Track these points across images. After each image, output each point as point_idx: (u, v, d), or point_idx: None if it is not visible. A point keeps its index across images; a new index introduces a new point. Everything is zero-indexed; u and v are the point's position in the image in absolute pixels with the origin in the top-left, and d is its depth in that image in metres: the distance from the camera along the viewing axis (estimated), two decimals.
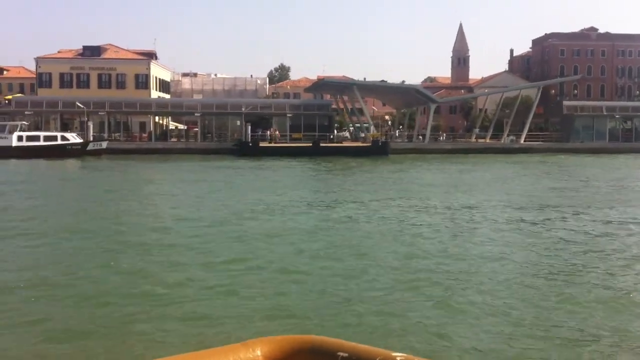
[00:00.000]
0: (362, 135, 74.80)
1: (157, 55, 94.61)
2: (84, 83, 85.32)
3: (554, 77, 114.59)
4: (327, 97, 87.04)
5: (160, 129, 77.37)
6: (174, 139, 74.42)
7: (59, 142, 58.76)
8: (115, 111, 71.10)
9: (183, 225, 19.88)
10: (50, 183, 37.21)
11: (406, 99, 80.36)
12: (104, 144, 61.32)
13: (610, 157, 66.11)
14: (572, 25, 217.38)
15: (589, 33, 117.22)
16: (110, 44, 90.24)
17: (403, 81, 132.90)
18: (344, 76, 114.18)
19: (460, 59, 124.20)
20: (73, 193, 31.27)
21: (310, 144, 65.64)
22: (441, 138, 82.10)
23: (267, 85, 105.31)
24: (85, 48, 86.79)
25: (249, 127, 66.96)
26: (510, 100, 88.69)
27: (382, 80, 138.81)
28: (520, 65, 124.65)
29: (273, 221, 20.88)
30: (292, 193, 29.61)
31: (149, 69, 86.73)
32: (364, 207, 24.60)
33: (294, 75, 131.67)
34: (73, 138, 59.83)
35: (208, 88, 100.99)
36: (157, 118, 79.25)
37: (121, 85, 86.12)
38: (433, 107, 75.40)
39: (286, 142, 68.54)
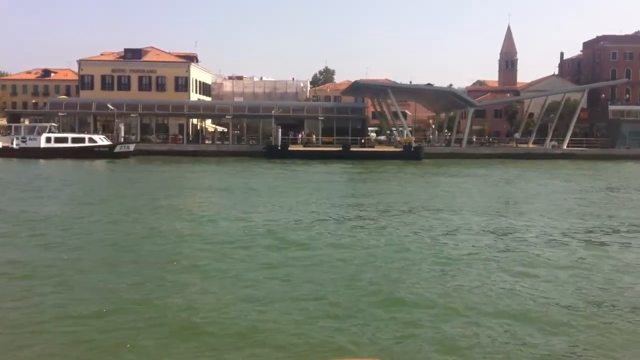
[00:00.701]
0: (398, 139, 72.15)
1: (198, 58, 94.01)
2: (124, 85, 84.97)
3: (605, 81, 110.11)
4: (369, 100, 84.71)
5: (197, 131, 75.99)
6: (208, 142, 73.10)
7: (87, 144, 58.08)
8: (148, 113, 70.07)
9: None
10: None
11: (444, 102, 77.25)
12: (132, 147, 60.33)
13: None
14: (627, 27, 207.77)
15: None
16: (152, 47, 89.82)
17: (450, 84, 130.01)
18: (386, 79, 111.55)
19: (508, 62, 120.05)
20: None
21: (340, 148, 63.32)
22: (480, 142, 78.72)
23: (308, 88, 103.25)
24: (126, 51, 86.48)
25: (280, 130, 65.13)
26: (556, 104, 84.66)
27: (428, 84, 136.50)
28: (570, 69, 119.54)
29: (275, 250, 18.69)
30: (304, 202, 27.34)
31: (188, 71, 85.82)
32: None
33: (338, 79, 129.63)
34: (101, 140, 59.09)
35: (249, 91, 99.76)
36: (195, 120, 78.37)
37: (161, 87, 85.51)
38: (471, 110, 72.18)
39: (318, 146, 66.35)
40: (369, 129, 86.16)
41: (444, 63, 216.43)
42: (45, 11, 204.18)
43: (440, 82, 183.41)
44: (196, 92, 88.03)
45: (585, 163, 61.94)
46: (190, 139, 72.13)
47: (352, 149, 63.42)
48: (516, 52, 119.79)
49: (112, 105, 66.43)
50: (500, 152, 71.00)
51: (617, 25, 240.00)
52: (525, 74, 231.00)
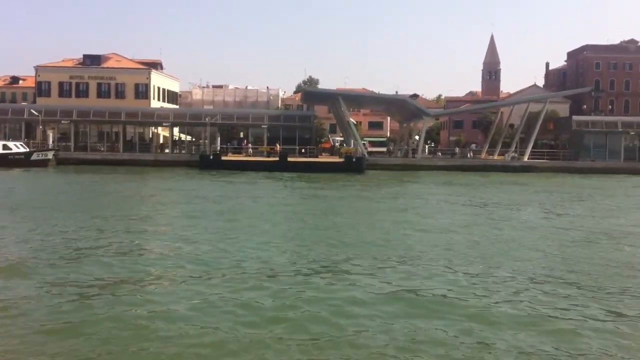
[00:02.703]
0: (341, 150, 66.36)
1: (163, 65, 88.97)
2: (82, 92, 79.95)
3: (589, 92, 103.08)
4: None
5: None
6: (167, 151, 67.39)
7: (1, 151, 52.90)
8: (83, 120, 64.81)
9: None
10: None
11: (404, 112, 71.13)
12: (50, 154, 55.07)
13: (619, 178, 55.25)
14: (613, 37, 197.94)
15: (628, 45, 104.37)
16: (114, 53, 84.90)
17: (439, 95, 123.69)
18: (363, 88, 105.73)
19: (492, 72, 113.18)
20: None
21: (277, 159, 57.55)
22: (438, 154, 72.59)
23: (280, 97, 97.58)
24: (85, 57, 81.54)
25: (218, 139, 59.63)
26: (534, 115, 78.31)
27: (414, 95, 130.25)
28: (555, 79, 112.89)
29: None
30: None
31: (149, 78, 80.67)
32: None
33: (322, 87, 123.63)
34: (16, 147, 53.85)
35: (219, 99, 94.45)
36: (155, 129, 73.04)
37: (120, 94, 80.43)
38: (427, 120, 66.21)
39: (251, 156, 60.68)
40: (337, 139, 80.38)
41: (434, 74, 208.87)
42: (31, 16, 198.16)
43: (430, 94, 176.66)
44: (159, 100, 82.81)
45: (535, 177, 55.49)
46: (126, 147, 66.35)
47: (289, 159, 57.54)
48: (499, 62, 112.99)
49: (35, 110, 61.21)
50: (455, 164, 64.79)
51: (605, 35, 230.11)
52: (511, 85, 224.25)
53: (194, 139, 75.50)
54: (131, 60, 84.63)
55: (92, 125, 68.64)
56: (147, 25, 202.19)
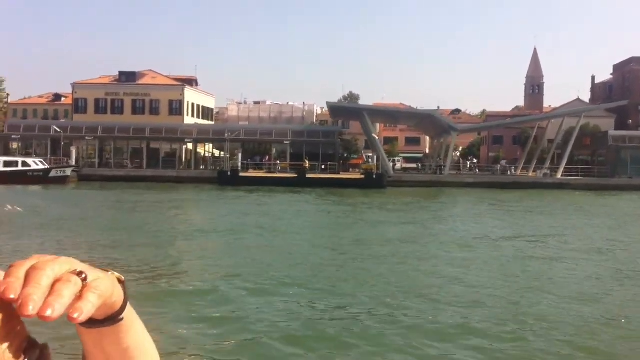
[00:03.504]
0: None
1: (198, 81, 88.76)
2: (118, 109, 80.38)
3: (635, 106, 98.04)
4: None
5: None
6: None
7: (20, 167, 52.79)
8: (108, 136, 64.59)
9: None
10: None
11: (433, 127, 68.50)
12: (68, 171, 54.68)
13: None
14: None
15: None
16: (150, 70, 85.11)
17: (484, 110, 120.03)
18: (401, 104, 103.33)
19: (534, 86, 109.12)
20: None
21: (296, 175, 55.88)
22: (476, 170, 69.73)
23: (315, 112, 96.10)
24: (121, 74, 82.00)
25: (240, 154, 58.42)
26: (585, 130, 74.53)
27: (456, 110, 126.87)
28: (602, 93, 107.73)
29: None
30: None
31: (182, 94, 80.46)
32: None
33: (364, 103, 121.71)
34: (35, 164, 53.62)
35: (254, 115, 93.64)
36: (190, 145, 72.43)
37: (155, 111, 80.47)
38: (454, 134, 63.32)
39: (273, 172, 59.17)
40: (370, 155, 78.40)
41: (478, 89, 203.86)
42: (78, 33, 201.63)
43: (474, 108, 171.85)
44: (193, 116, 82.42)
45: (565, 194, 52.03)
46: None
47: (308, 175, 55.77)
48: (542, 76, 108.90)
49: (60, 127, 61.27)
50: (483, 180, 61.69)
51: None
52: (557, 99, 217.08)
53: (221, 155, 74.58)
54: (167, 76, 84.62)
55: (123, 142, 68.36)
56: (186, 42, 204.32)
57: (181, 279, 15.05)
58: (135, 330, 0.92)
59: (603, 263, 18.31)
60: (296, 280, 14.76)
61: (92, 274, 0.78)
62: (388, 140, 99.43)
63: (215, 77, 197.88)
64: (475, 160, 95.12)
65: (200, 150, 75.01)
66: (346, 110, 64.87)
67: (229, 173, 55.95)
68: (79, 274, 0.76)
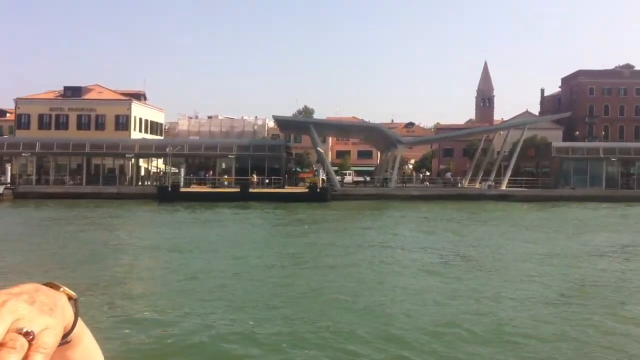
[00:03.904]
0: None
1: (146, 96, 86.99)
2: (62, 124, 78.12)
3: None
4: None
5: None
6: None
7: None
8: (47, 152, 62.38)
9: None
10: None
11: (382, 140, 67.95)
12: (1, 188, 52.44)
13: (596, 205, 51.23)
14: (608, 62, 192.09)
15: (622, 70, 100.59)
16: (97, 85, 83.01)
17: (437, 123, 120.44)
18: (354, 117, 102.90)
19: (485, 99, 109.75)
20: None
21: (238, 190, 54.57)
22: (426, 183, 69.39)
23: (267, 127, 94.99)
24: (66, 89, 79.71)
25: (182, 169, 56.89)
26: (524, 142, 74.72)
27: (410, 123, 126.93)
28: (551, 106, 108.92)
29: None
30: None
31: (129, 109, 78.57)
32: None
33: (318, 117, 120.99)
34: None
35: (205, 130, 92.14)
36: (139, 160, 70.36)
37: (101, 126, 78.43)
38: (401, 147, 62.79)
39: (216, 187, 57.71)
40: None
41: (432, 103, 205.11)
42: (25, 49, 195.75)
43: (428, 122, 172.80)
44: (140, 131, 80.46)
45: (507, 206, 51.78)
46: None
47: (251, 190, 54.50)
48: (493, 89, 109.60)
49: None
50: (429, 193, 61.22)
51: (601, 60, 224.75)
52: (508, 112, 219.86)
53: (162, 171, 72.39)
54: (114, 91, 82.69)
55: (65, 158, 66.05)
56: (135, 57, 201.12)
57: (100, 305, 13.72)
58: (83, 345, 0.86)
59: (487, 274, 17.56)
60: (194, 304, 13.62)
61: (39, 322, 0.73)
62: (340, 154, 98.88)
63: (168, 93, 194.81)
64: (427, 173, 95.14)
65: (147, 165, 73.07)
66: (293, 123, 63.89)
67: (169, 188, 54.27)
68: (26, 334, 0.69)
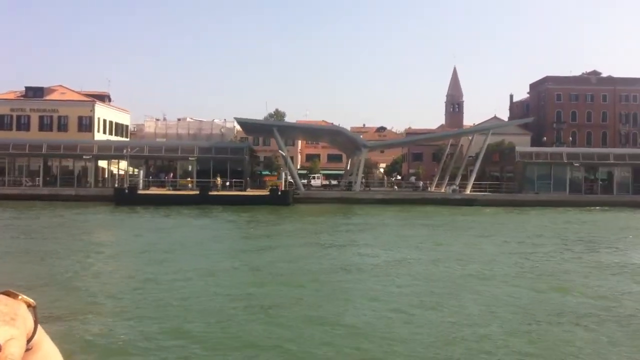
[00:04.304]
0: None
1: (111, 97, 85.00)
2: (24, 125, 75.86)
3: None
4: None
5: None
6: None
7: None
8: (3, 153, 60.34)
9: None
10: None
11: (347, 143, 66.87)
12: None
13: (558, 211, 50.69)
14: (576, 68, 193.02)
15: (589, 77, 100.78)
16: (60, 85, 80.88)
17: (409, 127, 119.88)
18: (323, 121, 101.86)
19: (455, 105, 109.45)
20: None
21: (197, 192, 53.09)
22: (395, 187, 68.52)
23: (236, 129, 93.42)
24: (27, 89, 77.48)
25: (141, 172, 55.25)
26: (494, 147, 74.26)
27: (381, 127, 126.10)
28: (519, 111, 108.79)
29: None
30: None
31: (93, 111, 76.58)
32: None
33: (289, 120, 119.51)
34: None
35: (172, 132, 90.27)
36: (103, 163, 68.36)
37: (63, 127, 76.30)
38: (365, 151, 61.74)
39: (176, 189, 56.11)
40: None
41: (405, 107, 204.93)
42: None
43: (400, 126, 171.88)
44: (105, 133, 78.49)
45: (470, 210, 51.01)
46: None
47: (211, 193, 53.03)
48: (462, 94, 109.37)
49: None
50: (392, 197, 60.27)
51: (569, 66, 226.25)
52: (478, 117, 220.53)
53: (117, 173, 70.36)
54: (77, 92, 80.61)
55: (23, 159, 64.05)
56: (102, 59, 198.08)
57: None
58: (43, 351, 0.85)
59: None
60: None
61: (3, 333, 0.72)
62: (310, 157, 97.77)
63: (138, 95, 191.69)
64: (399, 177, 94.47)
65: (113, 168, 71.23)
66: (258, 126, 62.45)
67: (126, 191, 52.59)
68: None
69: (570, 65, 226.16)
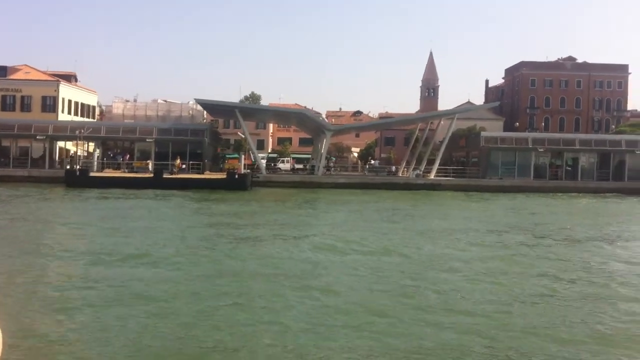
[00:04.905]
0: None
1: (77, 77, 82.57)
2: None
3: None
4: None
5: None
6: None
7: None
8: None
9: None
10: None
11: (312, 126, 65.08)
12: None
13: (522, 196, 49.28)
14: (552, 54, 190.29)
15: (564, 63, 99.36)
16: (25, 65, 78.30)
17: (385, 111, 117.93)
18: (296, 104, 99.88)
19: (430, 89, 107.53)
20: None
21: (151, 175, 51.11)
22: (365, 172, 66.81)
23: (205, 112, 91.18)
24: None
25: (96, 153, 53.18)
26: (463, 132, 72.85)
27: (357, 111, 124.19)
28: (494, 96, 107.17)
29: None
30: None
31: (57, 91, 74.20)
32: None
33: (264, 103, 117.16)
34: None
35: (141, 113, 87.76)
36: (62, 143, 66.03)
37: (27, 107, 74.07)
38: (329, 134, 59.98)
39: (126, 172, 54.06)
40: (262, 155, 74.10)
41: (382, 91, 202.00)
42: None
43: (376, 110, 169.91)
44: (70, 113, 76.23)
45: (433, 195, 49.49)
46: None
47: (165, 176, 51.06)
48: (437, 79, 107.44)
49: None
50: (355, 181, 58.61)
51: (545, 52, 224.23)
52: (453, 102, 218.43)
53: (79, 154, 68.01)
54: (43, 72, 78.15)
55: None
56: (70, 38, 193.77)
57: None
58: None
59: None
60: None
61: None
62: (281, 141, 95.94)
63: (110, 76, 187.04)
64: (373, 162, 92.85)
65: (76, 149, 69.01)
66: (220, 107, 60.28)
67: (77, 173, 50.52)
68: None
69: (548, 50, 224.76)
